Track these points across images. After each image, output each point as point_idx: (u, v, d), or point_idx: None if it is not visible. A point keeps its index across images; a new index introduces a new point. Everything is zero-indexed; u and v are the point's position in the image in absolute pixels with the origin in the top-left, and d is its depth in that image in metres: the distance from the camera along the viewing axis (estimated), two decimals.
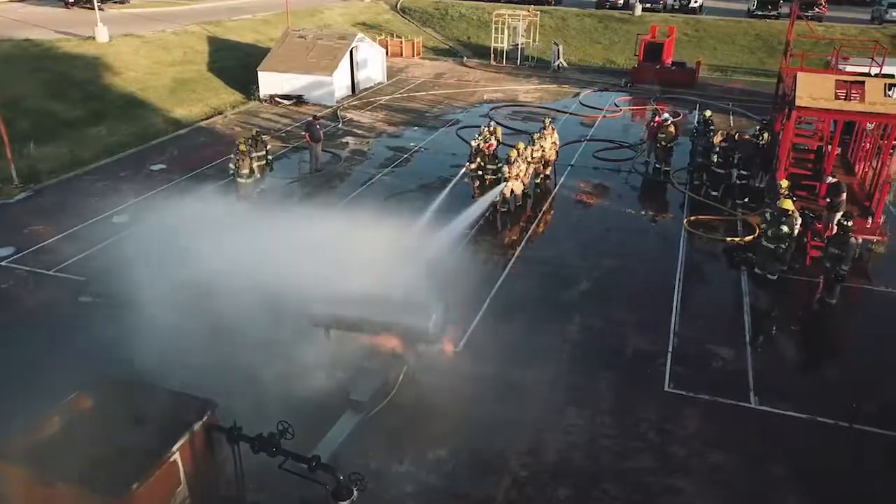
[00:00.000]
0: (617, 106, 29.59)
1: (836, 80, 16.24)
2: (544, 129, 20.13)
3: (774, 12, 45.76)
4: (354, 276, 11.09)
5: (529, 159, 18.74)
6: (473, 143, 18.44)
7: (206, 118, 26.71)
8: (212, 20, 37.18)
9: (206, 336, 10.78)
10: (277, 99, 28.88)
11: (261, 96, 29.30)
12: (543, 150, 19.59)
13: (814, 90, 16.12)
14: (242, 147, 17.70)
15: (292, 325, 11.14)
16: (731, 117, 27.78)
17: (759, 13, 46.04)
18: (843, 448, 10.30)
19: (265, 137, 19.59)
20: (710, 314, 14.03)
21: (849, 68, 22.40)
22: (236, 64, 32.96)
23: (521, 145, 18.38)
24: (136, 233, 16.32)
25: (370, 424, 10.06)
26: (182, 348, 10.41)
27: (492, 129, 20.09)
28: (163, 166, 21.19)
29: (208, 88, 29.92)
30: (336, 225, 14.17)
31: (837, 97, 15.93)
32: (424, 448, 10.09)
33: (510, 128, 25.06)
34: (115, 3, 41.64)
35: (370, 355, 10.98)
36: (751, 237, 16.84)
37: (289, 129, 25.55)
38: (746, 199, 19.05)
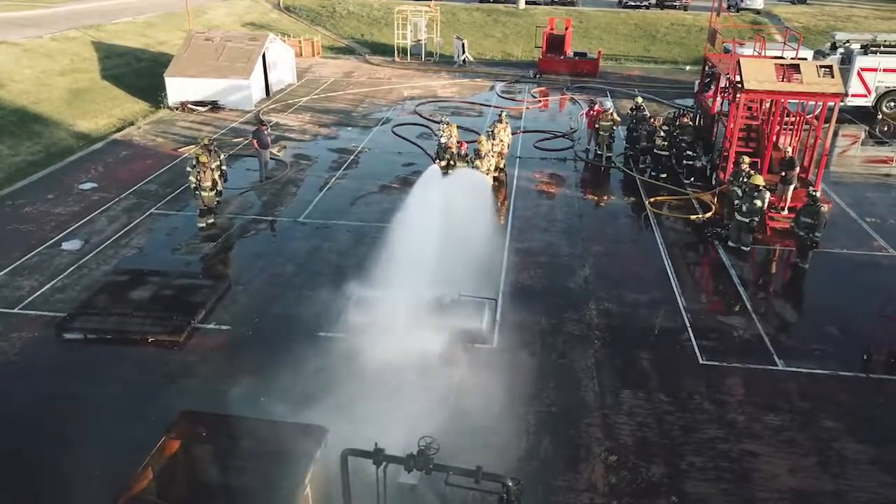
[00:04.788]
0: (535, 97, 30.48)
1: (775, 65, 17.72)
2: (499, 121, 20.38)
3: (646, 3, 48.99)
4: None
5: (491, 153, 18.92)
6: (443, 140, 18.34)
7: (118, 130, 24.61)
8: (91, 24, 34.16)
9: None
10: (190, 106, 27.08)
11: (170, 104, 27.35)
12: (502, 143, 19.86)
13: (758, 74, 17.48)
14: (203, 158, 16.50)
15: None
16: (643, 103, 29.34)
17: (632, 4, 49.07)
18: (872, 396, 11.39)
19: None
20: (707, 288, 14.98)
21: (746, 51, 24.42)
22: (130, 70, 30.67)
23: (485, 140, 18.51)
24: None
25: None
26: None
27: (447, 124, 20.03)
28: (94, 185, 19.30)
29: (108, 98, 27.54)
30: None
31: (780, 80, 17.42)
32: (505, 448, 10.01)
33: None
34: None
35: None
36: (710, 213, 18.06)
37: (215, 136, 24.07)
38: (692, 179, 20.35)
